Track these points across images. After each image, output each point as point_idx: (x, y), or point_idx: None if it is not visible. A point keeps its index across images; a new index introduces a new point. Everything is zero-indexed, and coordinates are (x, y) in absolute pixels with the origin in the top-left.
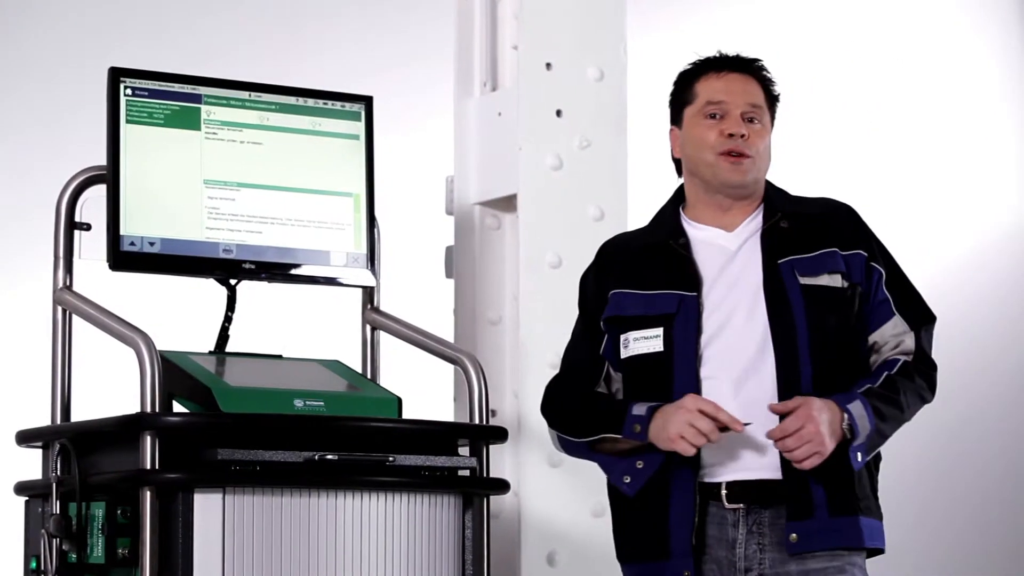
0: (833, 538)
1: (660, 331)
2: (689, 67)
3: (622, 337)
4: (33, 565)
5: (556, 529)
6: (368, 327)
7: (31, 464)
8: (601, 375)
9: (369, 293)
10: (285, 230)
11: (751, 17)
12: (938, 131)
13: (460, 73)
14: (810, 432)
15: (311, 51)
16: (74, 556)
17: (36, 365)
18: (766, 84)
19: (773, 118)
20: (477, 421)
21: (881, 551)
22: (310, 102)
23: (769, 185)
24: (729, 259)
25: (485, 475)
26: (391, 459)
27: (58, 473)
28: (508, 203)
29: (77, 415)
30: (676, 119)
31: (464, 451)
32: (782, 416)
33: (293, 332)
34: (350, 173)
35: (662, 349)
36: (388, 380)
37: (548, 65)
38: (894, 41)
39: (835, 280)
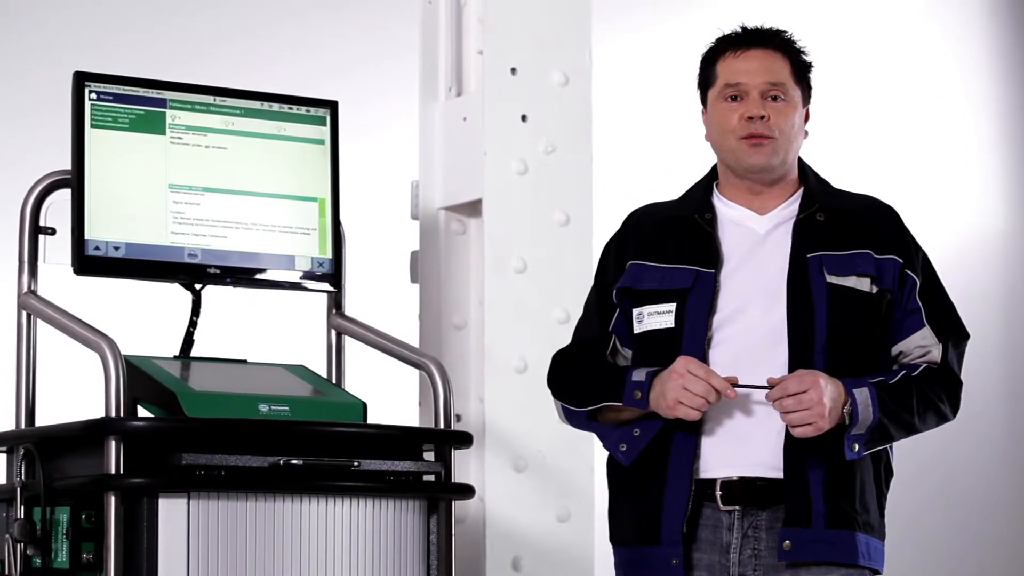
0: (826, 551)
1: (672, 307)
2: (710, 46)
3: (635, 311)
4: None
5: (521, 534)
6: (333, 332)
7: None
8: (607, 349)
9: (334, 298)
10: (250, 235)
11: (718, 22)
12: (908, 135)
13: (425, 78)
14: (811, 399)
15: (276, 55)
16: (39, 561)
17: (0, 369)
18: (793, 56)
19: (806, 90)
20: (442, 426)
21: (878, 572)
22: (275, 106)
23: (811, 172)
24: (757, 243)
25: (450, 480)
26: (356, 464)
27: (22, 478)
28: (473, 208)
29: (41, 420)
30: (703, 101)
31: (429, 456)
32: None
33: (258, 337)
34: (315, 178)
35: (673, 326)
36: (353, 385)
37: (513, 70)
38: (859, 46)
39: (863, 283)
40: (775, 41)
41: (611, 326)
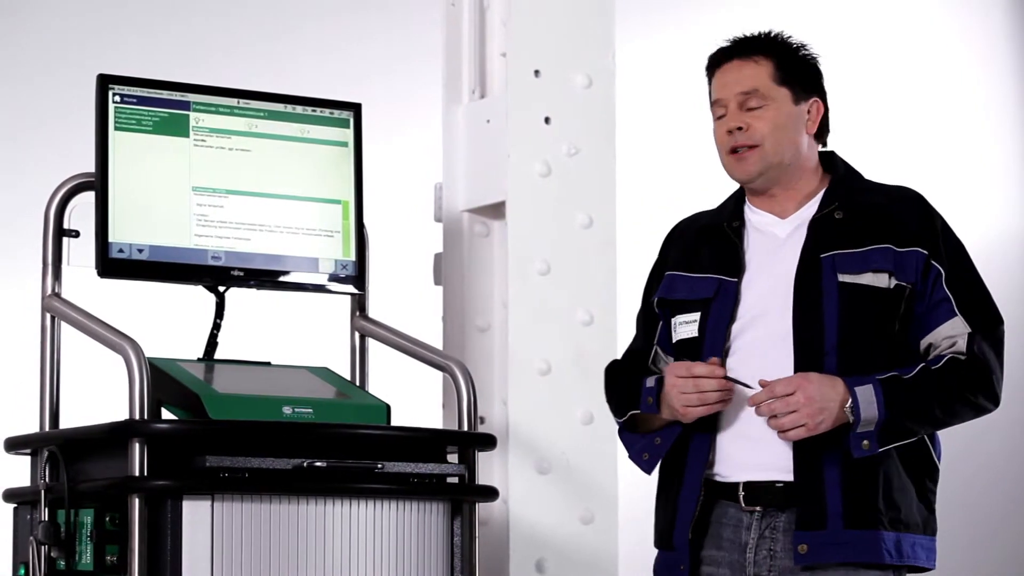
0: (845, 552)
1: (697, 316)
2: (705, 66)
3: (672, 320)
4: (22, 572)
5: (545, 536)
6: (357, 334)
7: (20, 471)
8: (648, 360)
9: (358, 300)
10: (274, 237)
11: (740, 24)
12: (929, 134)
13: (448, 80)
14: (798, 400)
15: (300, 58)
16: (63, 563)
17: (25, 372)
18: (776, 56)
19: (798, 86)
20: (466, 428)
21: (923, 568)
22: (299, 109)
23: (842, 166)
24: (777, 248)
25: (474, 482)
26: (380, 466)
27: (46, 480)
28: (496, 210)
29: (65, 422)
30: None
31: (453, 458)
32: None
33: (282, 339)
34: (339, 180)
35: (697, 335)
36: (377, 387)
37: (536, 72)
38: (878, 46)
39: (880, 280)
40: (753, 46)
41: (656, 337)
